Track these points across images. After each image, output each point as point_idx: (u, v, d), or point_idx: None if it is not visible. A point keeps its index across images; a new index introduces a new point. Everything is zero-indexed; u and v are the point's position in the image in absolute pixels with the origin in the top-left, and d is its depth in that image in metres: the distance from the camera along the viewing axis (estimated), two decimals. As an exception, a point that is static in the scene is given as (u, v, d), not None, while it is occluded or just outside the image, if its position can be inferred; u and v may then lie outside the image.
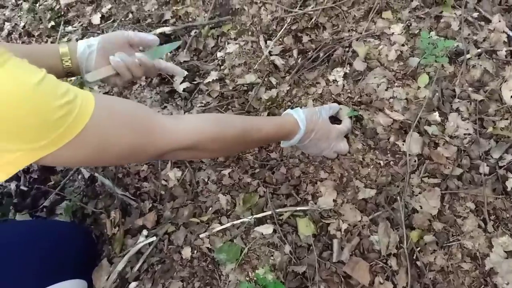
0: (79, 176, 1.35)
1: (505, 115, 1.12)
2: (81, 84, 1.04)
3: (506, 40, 1.21)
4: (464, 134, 1.12)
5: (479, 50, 1.22)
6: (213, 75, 1.44)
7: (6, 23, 2.04)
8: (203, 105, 1.39)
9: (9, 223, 1.27)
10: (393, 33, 1.34)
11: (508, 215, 1.00)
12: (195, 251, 1.10)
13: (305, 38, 1.44)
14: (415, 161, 1.11)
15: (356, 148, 1.17)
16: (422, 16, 1.34)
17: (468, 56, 1.22)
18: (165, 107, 1.43)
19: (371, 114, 1.21)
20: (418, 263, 0.97)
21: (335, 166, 1.16)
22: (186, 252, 1.10)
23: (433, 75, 1.21)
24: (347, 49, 1.36)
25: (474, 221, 1.01)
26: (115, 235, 1.16)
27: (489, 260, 0.96)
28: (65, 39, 1.77)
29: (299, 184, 1.16)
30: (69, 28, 1.81)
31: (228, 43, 1.52)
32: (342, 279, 0.99)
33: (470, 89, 1.18)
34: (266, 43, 1.48)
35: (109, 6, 1.79)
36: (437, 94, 1.19)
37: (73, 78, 1.04)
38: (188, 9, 1.65)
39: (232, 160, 1.25)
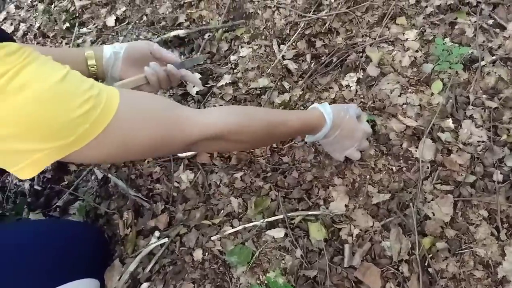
0: (93, 177, 1.37)
1: (520, 123, 1.11)
2: None
3: (521, 47, 1.21)
4: (478, 141, 1.12)
5: (493, 57, 1.22)
6: (226, 79, 1.45)
7: (22, 24, 2.07)
8: (216, 108, 1.40)
9: (23, 222, 1.29)
10: (407, 39, 1.34)
11: (521, 224, 1.00)
12: (207, 253, 1.11)
13: (319, 43, 1.44)
14: (428, 167, 1.11)
15: (368, 153, 1.17)
16: (436, 22, 1.34)
17: (482, 63, 1.21)
18: (178, 109, 1.44)
19: (384, 120, 1.22)
20: (430, 270, 0.97)
21: (347, 171, 1.16)
22: (198, 254, 1.11)
23: (447, 82, 1.21)
24: (360, 54, 1.36)
25: (487, 229, 1.01)
26: (128, 236, 1.17)
27: (502, 269, 0.95)
28: (80, 40, 1.79)
29: (311, 188, 1.16)
30: (84, 29, 1.82)
31: (241, 47, 1.53)
32: (353, 284, 0.99)
33: (484, 96, 1.18)
34: (279, 47, 1.49)
35: (124, 8, 1.80)
36: (451, 100, 1.19)
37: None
38: (202, 13, 1.66)
39: (244, 164, 1.25)
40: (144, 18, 1.74)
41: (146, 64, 1.03)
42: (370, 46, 1.36)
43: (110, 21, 1.79)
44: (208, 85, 1.46)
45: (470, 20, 1.30)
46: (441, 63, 1.20)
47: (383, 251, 1.02)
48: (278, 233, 1.09)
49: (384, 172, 1.14)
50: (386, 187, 1.11)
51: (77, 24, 1.85)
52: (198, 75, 1.45)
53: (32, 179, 1.42)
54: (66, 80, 0.63)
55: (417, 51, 1.31)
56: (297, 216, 1.11)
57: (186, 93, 1.47)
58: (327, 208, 1.11)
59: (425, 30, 1.34)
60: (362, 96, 1.29)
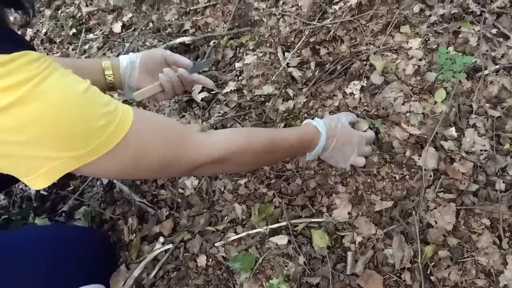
0: (98, 182, 1.38)
1: (523, 132, 1.12)
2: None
3: (524, 57, 1.21)
4: (481, 150, 1.12)
5: (497, 67, 1.22)
6: (231, 86, 1.46)
7: (28, 29, 2.10)
8: (220, 115, 1.41)
9: (29, 227, 1.30)
10: (410, 47, 1.35)
11: (524, 233, 1.00)
12: (210, 259, 1.12)
13: (323, 51, 1.46)
14: (430, 176, 1.11)
15: (371, 161, 1.18)
16: (440, 31, 1.35)
17: (486, 72, 1.22)
18: (183, 116, 1.46)
19: (388, 128, 1.22)
20: (432, 278, 0.98)
21: (351, 179, 1.17)
22: (202, 260, 1.12)
23: (450, 91, 1.22)
24: (364, 62, 1.37)
25: (489, 238, 1.01)
26: (132, 242, 1.18)
27: (504, 277, 0.96)
28: (86, 46, 1.81)
29: (314, 195, 1.17)
30: (90, 35, 1.85)
31: (246, 54, 1.54)
32: (356, 291, 1.00)
33: (487, 105, 1.18)
34: (284, 54, 1.50)
35: (130, 15, 1.83)
36: (454, 109, 1.20)
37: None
38: (208, 20, 1.68)
39: (248, 170, 1.27)
40: (150, 24, 1.76)
41: (161, 71, 1.06)
42: (374, 54, 1.37)
43: (117, 27, 1.81)
44: (213, 92, 1.48)
45: (473, 29, 1.31)
46: (445, 72, 1.21)
47: (386, 259, 1.03)
48: (281, 240, 1.09)
49: (387, 180, 1.15)
50: (389, 195, 1.12)
51: (83, 30, 1.87)
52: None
53: (38, 184, 1.43)
54: (88, 93, 0.65)
55: (420, 59, 1.32)
56: (301, 223, 1.11)
57: (191, 99, 1.48)
58: (330, 215, 1.12)
59: (428, 39, 1.35)
60: (365, 104, 1.30)
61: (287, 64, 1.47)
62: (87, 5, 1.95)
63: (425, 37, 1.36)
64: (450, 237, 1.02)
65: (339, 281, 1.02)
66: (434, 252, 1.01)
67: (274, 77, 1.45)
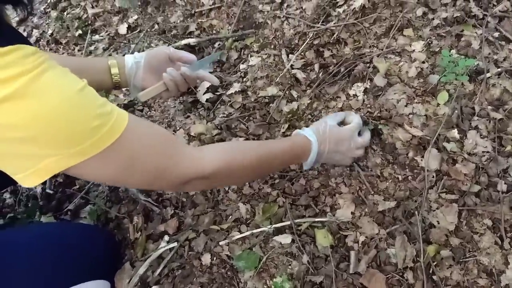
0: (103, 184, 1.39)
1: (524, 134, 1.13)
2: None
3: (526, 60, 1.23)
4: (483, 151, 1.14)
5: (499, 69, 1.24)
6: (236, 87, 1.48)
7: (34, 30, 2.12)
8: (225, 115, 1.43)
9: (34, 225, 1.31)
10: (414, 50, 1.37)
11: (525, 233, 1.01)
12: (215, 258, 1.13)
13: (327, 53, 1.47)
14: (433, 176, 1.13)
15: (375, 162, 1.19)
16: (443, 34, 1.37)
17: (488, 75, 1.23)
18: (188, 116, 1.47)
19: (391, 129, 1.24)
20: (435, 277, 0.99)
21: (354, 180, 1.18)
22: (206, 259, 1.13)
23: (453, 93, 1.23)
24: (368, 64, 1.39)
25: (491, 238, 1.02)
26: (138, 240, 1.19)
27: (505, 277, 0.97)
28: (92, 47, 1.83)
29: (318, 195, 1.18)
30: (96, 37, 1.87)
31: (251, 56, 1.56)
32: (359, 290, 1.01)
33: (489, 107, 1.20)
34: (288, 56, 1.52)
35: (136, 17, 1.84)
36: (456, 111, 1.21)
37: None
38: (213, 22, 1.70)
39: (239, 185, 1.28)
40: (156, 26, 1.78)
41: (165, 70, 1.07)
42: (378, 56, 1.39)
43: (122, 29, 1.83)
44: (218, 93, 1.50)
45: (476, 32, 1.33)
46: (447, 74, 1.22)
47: (388, 258, 1.04)
48: (285, 239, 1.11)
49: (390, 180, 1.16)
50: (392, 195, 1.13)
51: (89, 32, 1.89)
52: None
53: (44, 183, 1.45)
54: (83, 93, 0.65)
55: (423, 62, 1.33)
56: (304, 222, 1.13)
57: (196, 100, 1.50)
58: (334, 215, 1.13)
59: (431, 42, 1.36)
60: (369, 105, 1.31)
61: (291, 66, 1.48)
62: (93, 7, 1.97)
63: (428, 40, 1.37)
64: (452, 237, 1.03)
65: (342, 280, 1.03)
66: (436, 251, 1.02)
67: (278, 78, 1.47)
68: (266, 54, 1.55)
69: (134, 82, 1.09)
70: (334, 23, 1.51)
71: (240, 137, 1.35)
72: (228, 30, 1.65)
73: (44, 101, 0.59)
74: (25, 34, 2.11)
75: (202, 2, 1.76)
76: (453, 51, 1.31)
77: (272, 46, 1.57)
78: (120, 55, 1.74)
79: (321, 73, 1.44)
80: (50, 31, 2.01)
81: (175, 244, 1.16)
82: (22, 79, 0.57)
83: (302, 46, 1.51)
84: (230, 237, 1.15)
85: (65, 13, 2.04)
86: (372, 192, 1.15)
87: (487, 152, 1.13)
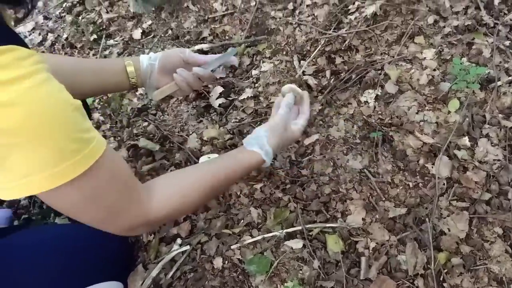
0: (117, 184, 1.41)
1: (535, 143, 1.14)
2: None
3: (538, 69, 1.24)
4: (494, 159, 1.14)
5: (510, 78, 1.25)
6: (248, 92, 1.50)
7: (50, 34, 2.15)
8: (237, 121, 1.44)
9: (48, 226, 1.33)
10: (425, 57, 1.38)
11: (536, 242, 1.02)
12: (226, 262, 1.14)
13: (338, 60, 1.49)
14: (444, 184, 1.13)
15: (385, 169, 1.20)
16: (454, 42, 1.38)
17: (499, 83, 1.24)
18: (201, 121, 1.50)
19: (401, 136, 1.25)
20: (445, 285, 1.00)
21: (365, 186, 1.20)
22: (218, 262, 1.14)
23: (464, 101, 1.24)
24: (379, 71, 1.40)
25: (502, 246, 1.03)
26: (151, 242, 1.21)
27: (516, 285, 0.98)
28: (107, 52, 1.86)
29: (329, 201, 1.20)
30: (111, 41, 1.90)
31: (263, 62, 1.58)
32: (369, 296, 1.02)
33: (500, 115, 1.20)
34: (300, 63, 1.53)
35: (150, 22, 1.87)
36: (467, 119, 1.22)
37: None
38: (225, 28, 1.72)
39: (264, 175, 1.29)
40: (169, 32, 1.80)
41: (179, 66, 1.09)
42: (389, 64, 1.40)
43: (136, 34, 1.85)
44: (230, 98, 1.52)
45: (487, 41, 1.34)
46: (458, 82, 1.23)
47: (399, 265, 1.05)
48: (296, 244, 1.12)
49: (400, 187, 1.17)
50: (402, 202, 1.14)
51: (104, 36, 1.92)
52: (220, 89, 1.51)
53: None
54: (76, 113, 0.63)
55: (434, 69, 1.35)
56: (315, 228, 1.14)
57: (209, 105, 1.52)
58: (345, 221, 1.15)
59: (442, 50, 1.38)
60: (380, 112, 1.32)
61: (303, 72, 1.50)
62: (107, 12, 2.00)
63: (439, 47, 1.39)
64: (463, 244, 1.04)
65: (352, 285, 1.04)
66: (447, 259, 1.03)
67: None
68: (278, 60, 1.57)
69: (149, 83, 1.11)
70: (346, 30, 1.53)
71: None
72: (240, 36, 1.67)
73: (36, 112, 0.56)
74: (40, 38, 2.15)
75: (215, 8, 1.79)
76: (464, 59, 1.32)
77: (284, 52, 1.58)
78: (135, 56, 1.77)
79: (332, 79, 1.46)
80: (65, 35, 2.05)
81: (188, 247, 1.18)
82: (18, 87, 0.54)
83: (314, 53, 1.52)
84: (241, 241, 1.17)
85: (80, 17, 2.08)
86: (383, 199, 1.16)
87: (498, 160, 1.14)
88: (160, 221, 0.84)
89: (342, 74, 1.45)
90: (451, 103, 1.26)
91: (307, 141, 1.34)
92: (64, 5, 2.17)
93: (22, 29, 2.24)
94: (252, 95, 1.49)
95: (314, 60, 1.52)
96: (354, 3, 1.58)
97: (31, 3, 0.65)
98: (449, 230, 1.06)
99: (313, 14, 1.63)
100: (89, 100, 1.60)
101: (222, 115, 1.49)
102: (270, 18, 1.68)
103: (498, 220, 1.06)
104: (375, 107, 1.34)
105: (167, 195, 0.83)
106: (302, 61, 1.54)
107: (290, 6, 1.68)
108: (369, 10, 1.52)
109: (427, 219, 1.08)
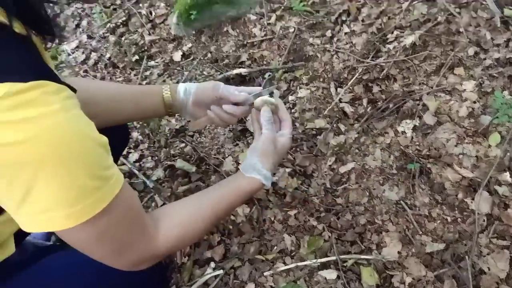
0: (153, 204, 1.44)
1: None
2: None
3: None
4: (536, 198, 1.12)
5: (554, 114, 1.22)
6: (284, 118, 1.51)
7: (93, 53, 2.23)
8: (273, 146, 1.46)
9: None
10: (465, 89, 1.37)
11: None
12: (259, 288, 1.15)
13: (376, 88, 1.49)
14: (483, 220, 1.11)
15: (423, 201, 1.19)
16: (495, 75, 1.36)
17: (543, 119, 1.22)
18: (237, 144, 1.52)
19: (439, 169, 1.23)
20: (483, 325, 0.97)
21: (401, 218, 1.18)
22: (250, 288, 1.15)
23: (505, 135, 1.22)
24: (417, 102, 1.39)
25: (544, 288, 1.00)
26: (185, 264, 1.23)
27: (559, 331, 0.94)
28: (148, 73, 1.91)
29: (364, 232, 1.19)
30: (152, 62, 1.95)
31: (300, 88, 1.59)
32: (404, 332, 1.00)
33: (544, 152, 1.18)
34: (336, 90, 1.54)
35: (190, 45, 1.92)
36: (508, 154, 1.20)
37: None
38: (264, 53, 1.75)
39: (299, 201, 1.30)
40: (209, 55, 1.85)
41: (213, 103, 1.09)
42: (427, 94, 1.39)
43: (177, 56, 1.91)
44: (266, 123, 1.53)
45: (530, 75, 1.32)
46: (500, 116, 1.22)
47: (436, 302, 1.03)
48: (330, 274, 1.11)
49: (438, 221, 1.15)
50: (440, 237, 1.12)
51: (145, 57, 1.98)
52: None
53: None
54: (102, 149, 0.63)
55: (474, 102, 1.33)
56: (350, 259, 1.13)
57: (245, 129, 1.54)
58: (380, 253, 1.13)
59: (483, 82, 1.36)
60: (417, 143, 1.31)
61: (340, 99, 1.51)
62: (149, 34, 2.07)
63: (480, 80, 1.37)
64: (503, 285, 1.01)
65: (387, 320, 1.03)
66: (485, 298, 1.00)
67: (326, 111, 1.49)
68: (315, 86, 1.58)
69: (185, 112, 1.13)
70: (384, 59, 1.53)
71: (287, 167, 1.37)
72: (278, 61, 1.70)
73: (62, 148, 0.56)
74: (83, 56, 2.23)
75: (254, 34, 1.82)
76: (506, 93, 1.31)
77: (321, 79, 1.60)
78: (173, 83, 1.81)
79: (369, 108, 1.46)
80: (108, 55, 2.12)
81: (221, 271, 1.19)
82: (45, 123, 0.53)
83: (351, 81, 1.53)
84: (274, 268, 1.17)
85: (123, 38, 2.15)
86: (420, 232, 1.14)
87: (541, 198, 1.11)
88: (165, 254, 0.83)
89: (379, 103, 1.45)
90: (491, 137, 1.24)
91: (342, 169, 1.34)
92: (108, 26, 2.25)
93: (66, 47, 2.33)
94: (288, 120, 1.50)
95: (351, 87, 1.53)
96: (392, 33, 1.59)
97: (60, 35, 0.65)
98: (489, 269, 1.04)
99: (351, 42, 1.65)
100: (129, 120, 1.64)
101: (258, 139, 1.51)
102: (308, 44, 1.70)
103: (541, 261, 1.03)
104: (412, 138, 1.33)
105: (172, 227, 0.83)
106: (339, 88, 1.55)
107: (329, 33, 1.70)
108: (408, 40, 1.52)
109: (466, 256, 1.06)
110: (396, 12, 1.64)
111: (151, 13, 2.16)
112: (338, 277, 1.11)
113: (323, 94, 1.56)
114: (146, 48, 2.03)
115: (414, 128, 1.35)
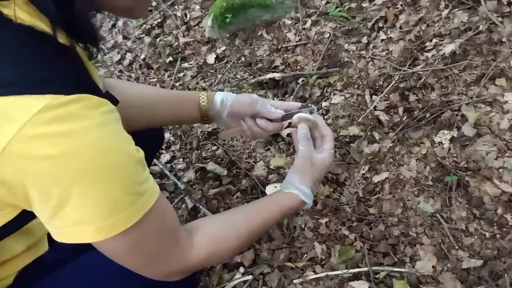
0: (183, 205, 1.45)
1: None
2: None
3: None
4: None
5: None
6: (317, 124, 1.49)
7: (128, 54, 2.27)
8: (305, 152, 1.44)
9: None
10: (506, 101, 1.32)
11: None
12: (288, 296, 1.14)
13: (412, 97, 1.46)
14: (524, 238, 1.07)
15: (460, 215, 1.16)
16: (540, 86, 1.31)
17: None
18: (269, 149, 1.51)
19: (478, 182, 1.20)
20: None
21: (436, 231, 1.15)
22: (279, 296, 1.14)
23: (549, 150, 1.18)
24: (456, 112, 1.36)
25: None
26: (214, 268, 1.23)
27: None
28: (181, 74, 1.93)
29: (397, 244, 1.16)
30: (185, 64, 1.97)
31: (333, 94, 1.57)
32: None
33: None
34: (371, 97, 1.52)
35: (223, 48, 1.93)
36: (552, 170, 1.15)
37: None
38: (298, 58, 1.74)
39: (330, 210, 1.28)
40: (242, 58, 1.85)
41: (248, 115, 1.08)
42: (467, 105, 1.35)
43: (210, 58, 1.92)
44: (299, 129, 1.52)
45: None
46: (544, 130, 1.17)
47: (471, 320, 1.00)
48: (361, 286, 1.09)
49: (476, 236, 1.12)
50: (477, 253, 1.09)
51: (179, 59, 2.00)
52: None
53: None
54: (139, 165, 0.63)
55: (517, 114, 1.29)
56: (382, 271, 1.11)
57: (277, 134, 1.53)
58: (413, 266, 1.11)
59: (526, 94, 1.32)
60: (455, 155, 1.28)
61: (375, 107, 1.48)
62: (184, 36, 2.08)
63: (523, 92, 1.33)
64: (544, 306, 0.97)
65: (419, 336, 1.00)
66: (525, 319, 0.96)
67: (360, 119, 1.47)
68: (349, 93, 1.56)
69: (219, 122, 1.12)
70: (422, 67, 1.50)
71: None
72: (312, 67, 1.68)
73: (99, 164, 0.56)
74: (118, 56, 2.27)
75: (289, 38, 1.81)
76: (551, 106, 1.26)
77: (356, 86, 1.58)
78: (207, 86, 1.82)
79: (405, 116, 1.43)
80: (143, 56, 2.15)
81: (250, 277, 1.18)
82: (84, 138, 0.54)
83: (387, 88, 1.51)
84: (304, 276, 1.16)
85: (158, 39, 2.18)
86: (456, 247, 1.11)
87: None
88: (197, 268, 0.82)
89: (415, 112, 1.42)
90: (534, 152, 1.20)
91: (376, 178, 1.32)
92: (143, 27, 2.29)
93: (102, 47, 2.37)
94: (321, 127, 1.49)
95: (386, 95, 1.50)
96: (431, 40, 1.55)
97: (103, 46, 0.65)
98: (529, 289, 1.00)
99: (388, 49, 1.62)
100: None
101: (290, 144, 1.50)
102: (343, 50, 1.68)
103: None
104: (449, 149, 1.30)
105: (205, 242, 0.81)
106: (374, 96, 1.52)
107: (365, 39, 1.68)
108: (448, 48, 1.48)
109: (505, 274, 1.02)
110: (435, 20, 1.60)
111: (186, 15, 2.18)
112: (370, 289, 1.09)
113: (358, 101, 1.53)
114: (180, 50, 2.05)
115: (452, 139, 1.31)
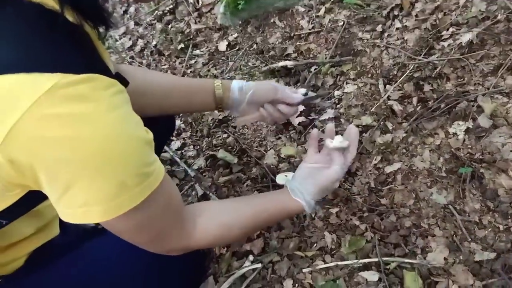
0: (193, 192, 1.45)
1: None
2: None
3: None
4: None
5: None
6: (329, 113, 1.48)
7: (140, 40, 2.26)
8: (316, 141, 1.43)
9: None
10: (524, 92, 1.29)
11: None
12: (297, 285, 1.13)
13: (427, 87, 1.43)
14: (539, 231, 1.05)
15: (473, 207, 1.14)
16: (559, 77, 1.28)
17: None
18: (279, 138, 1.50)
19: (493, 175, 1.18)
20: None
21: (449, 223, 1.14)
22: (288, 284, 1.13)
23: None
24: (471, 103, 1.33)
25: None
26: (223, 255, 1.22)
27: None
28: (192, 61, 1.92)
29: (409, 235, 1.15)
30: (197, 51, 1.96)
31: (346, 83, 1.55)
32: None
33: None
34: (385, 87, 1.49)
35: (236, 35, 1.91)
36: None
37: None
38: (311, 46, 1.72)
39: (341, 200, 1.27)
40: (254, 46, 1.83)
41: (268, 103, 1.09)
42: (483, 95, 1.32)
43: (222, 45, 1.90)
44: (310, 118, 1.51)
45: None
46: (563, 122, 1.14)
47: (483, 313, 0.98)
48: (371, 276, 1.08)
49: (489, 229, 1.10)
50: (490, 246, 1.07)
51: (191, 46, 1.99)
52: (301, 108, 1.51)
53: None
54: (147, 146, 0.63)
55: (535, 106, 1.26)
56: (393, 261, 1.10)
57: (289, 123, 1.52)
58: (425, 258, 1.09)
59: (545, 85, 1.28)
60: (469, 146, 1.26)
61: (388, 97, 1.46)
62: (195, 23, 2.07)
63: (542, 82, 1.29)
64: (558, 301, 0.96)
65: (429, 328, 0.99)
66: (538, 314, 0.95)
67: (373, 108, 1.45)
68: (362, 82, 1.54)
69: (236, 110, 1.11)
70: (437, 57, 1.47)
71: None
72: (325, 55, 1.66)
73: (108, 146, 0.55)
74: (130, 43, 2.26)
75: (302, 26, 1.79)
76: None
77: (369, 75, 1.55)
78: (218, 72, 1.81)
79: (419, 107, 1.41)
80: (154, 42, 2.14)
81: (259, 265, 1.18)
82: (93, 119, 0.53)
83: (401, 78, 1.48)
84: (314, 265, 1.15)
85: (169, 26, 2.16)
86: (469, 239, 1.09)
87: None
88: (199, 248, 0.84)
89: (430, 102, 1.39)
90: (552, 144, 1.17)
91: (388, 169, 1.30)
92: (155, 13, 2.27)
93: (113, 33, 2.36)
94: (333, 116, 1.47)
95: (400, 85, 1.47)
96: (448, 29, 1.52)
97: (113, 24, 0.64)
98: (544, 283, 0.98)
99: (403, 38, 1.59)
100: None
101: (301, 133, 1.48)
102: (357, 39, 1.66)
103: None
104: (464, 140, 1.27)
105: (210, 226, 0.83)
106: (387, 85, 1.50)
107: (379, 28, 1.65)
108: (465, 37, 1.45)
109: (518, 268, 1.00)
110: (452, 8, 1.56)
111: (198, 1, 2.16)
112: (380, 279, 1.08)
113: (371, 90, 1.51)
114: (191, 36, 2.03)
115: (467, 130, 1.29)
